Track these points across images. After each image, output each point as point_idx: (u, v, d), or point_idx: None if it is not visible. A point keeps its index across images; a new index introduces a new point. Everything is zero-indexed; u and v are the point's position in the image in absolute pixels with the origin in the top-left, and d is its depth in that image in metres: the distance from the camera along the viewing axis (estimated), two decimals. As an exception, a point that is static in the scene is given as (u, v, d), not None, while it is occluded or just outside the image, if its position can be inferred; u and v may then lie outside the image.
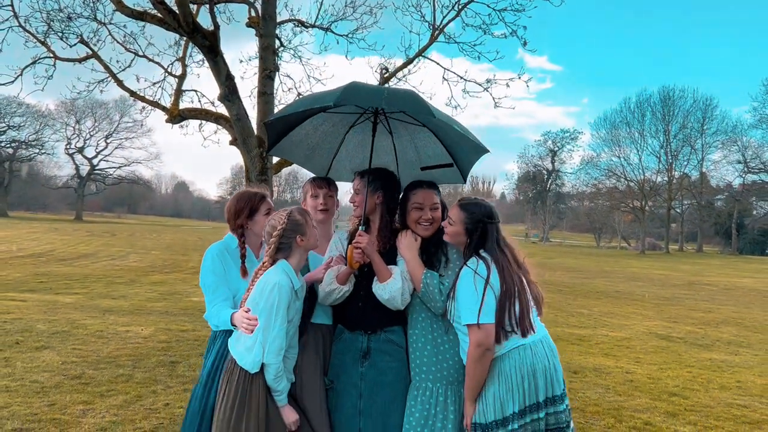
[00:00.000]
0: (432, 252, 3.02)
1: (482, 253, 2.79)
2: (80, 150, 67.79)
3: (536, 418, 2.68)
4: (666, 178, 58.91)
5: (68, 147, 67.10)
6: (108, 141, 68.16)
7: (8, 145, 64.50)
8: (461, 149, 3.17)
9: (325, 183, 3.31)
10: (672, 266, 35.18)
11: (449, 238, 2.93)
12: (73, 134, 67.08)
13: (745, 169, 58.78)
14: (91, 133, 67.89)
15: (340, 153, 3.46)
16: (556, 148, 75.84)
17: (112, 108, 65.63)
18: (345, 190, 3.52)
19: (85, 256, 21.92)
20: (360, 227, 2.95)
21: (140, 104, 9.00)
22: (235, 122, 6.66)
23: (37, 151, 65.96)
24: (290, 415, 2.70)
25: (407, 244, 2.98)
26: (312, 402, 2.88)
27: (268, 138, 3.23)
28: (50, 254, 22.08)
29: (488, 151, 2.96)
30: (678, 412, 5.47)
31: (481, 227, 2.83)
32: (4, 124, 62.15)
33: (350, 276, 2.93)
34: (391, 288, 2.86)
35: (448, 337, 2.91)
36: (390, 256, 3.01)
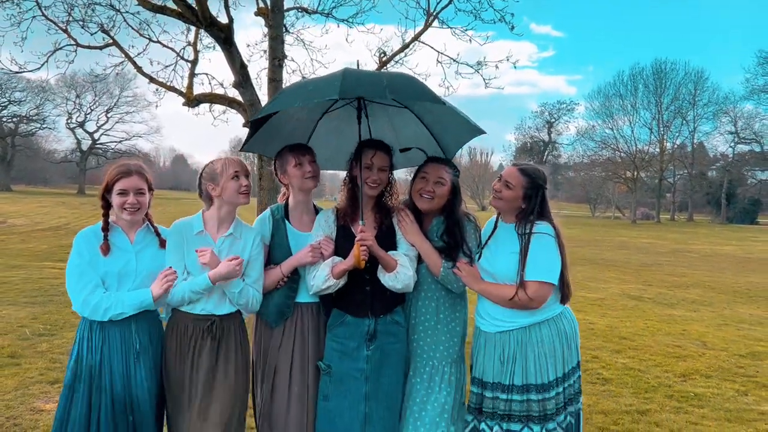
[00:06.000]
0: (453, 232, 2.99)
1: (547, 220, 2.83)
2: (81, 124, 68.21)
3: (579, 375, 2.90)
4: (658, 149, 59.74)
5: (69, 121, 67.52)
6: (109, 115, 68.56)
7: (9, 120, 65.01)
8: (448, 129, 3.07)
9: (305, 149, 3.05)
10: (660, 235, 36.16)
11: (502, 203, 2.85)
12: (74, 109, 67.44)
13: (736, 139, 59.72)
14: (92, 108, 68.18)
15: (311, 142, 3.24)
16: (553, 120, 76.71)
17: (111, 82, 65.76)
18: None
19: (99, 229, 22.94)
20: (360, 222, 2.81)
21: (141, 79, 9.63)
22: (248, 107, 7.50)
23: (39, 125, 66.48)
24: (217, 267, 2.72)
25: (411, 230, 2.93)
26: (301, 389, 2.91)
27: (248, 134, 3.03)
28: (67, 227, 23.20)
29: (484, 132, 2.90)
30: (622, 350, 6.71)
31: (542, 193, 2.82)
32: (5, 99, 62.47)
33: (347, 271, 2.83)
34: (403, 278, 2.82)
35: (455, 315, 3.01)
36: (387, 234, 2.96)
